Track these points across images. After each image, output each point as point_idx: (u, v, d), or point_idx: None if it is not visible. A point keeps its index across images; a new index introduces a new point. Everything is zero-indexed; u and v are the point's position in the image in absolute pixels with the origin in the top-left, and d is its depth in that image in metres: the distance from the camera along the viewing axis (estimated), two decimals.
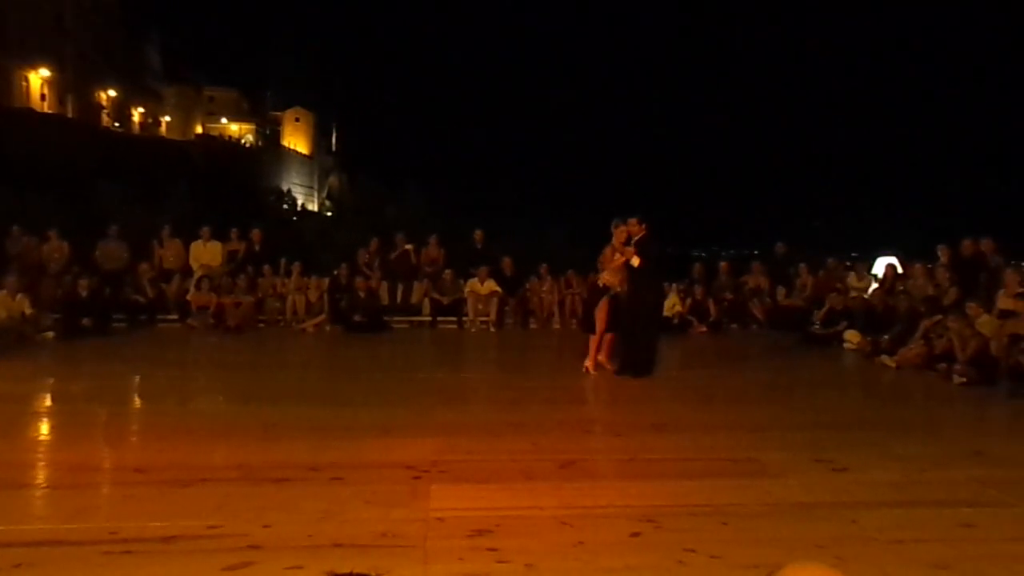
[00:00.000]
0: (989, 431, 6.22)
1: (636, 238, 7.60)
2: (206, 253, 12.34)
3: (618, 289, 7.58)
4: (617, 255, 7.60)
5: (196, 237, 12.57)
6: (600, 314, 7.63)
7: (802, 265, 12.70)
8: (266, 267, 12.12)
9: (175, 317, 11.51)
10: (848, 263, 13.68)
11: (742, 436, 5.41)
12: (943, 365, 7.92)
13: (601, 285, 7.67)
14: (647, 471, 4.54)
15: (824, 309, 10.86)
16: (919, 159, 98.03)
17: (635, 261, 7.45)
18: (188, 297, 11.49)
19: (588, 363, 7.70)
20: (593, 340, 7.75)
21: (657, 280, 7.95)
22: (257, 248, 12.76)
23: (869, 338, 9.69)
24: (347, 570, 1.86)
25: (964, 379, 7.51)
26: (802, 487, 4.18)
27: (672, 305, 11.75)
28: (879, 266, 12.46)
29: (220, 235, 12.77)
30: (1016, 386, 6.98)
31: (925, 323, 8.65)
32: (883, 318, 9.93)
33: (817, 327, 10.71)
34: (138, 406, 6.88)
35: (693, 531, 3.49)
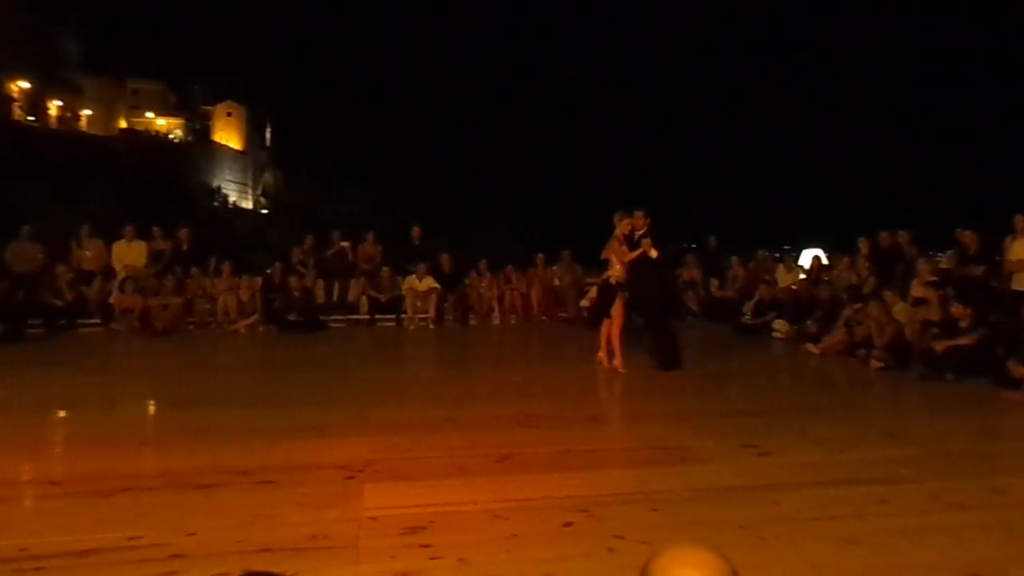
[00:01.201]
0: (902, 412, 6.53)
1: (642, 231, 7.59)
2: (130, 253, 11.88)
3: (623, 281, 7.55)
4: (625, 248, 7.52)
5: (119, 237, 12.08)
6: (617, 311, 7.56)
7: (734, 258, 13.08)
8: (193, 268, 11.75)
9: (97, 321, 11.05)
10: (777, 255, 14.14)
11: (674, 425, 5.54)
12: (862, 351, 8.28)
13: (614, 282, 7.58)
14: (582, 462, 4.60)
15: (754, 300, 11.21)
16: (845, 157, 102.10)
17: (653, 253, 7.43)
18: (111, 300, 11.04)
19: (616, 362, 7.64)
20: (613, 336, 7.64)
21: (665, 272, 8.04)
22: (185, 248, 12.35)
23: (795, 327, 10.06)
24: (262, 569, 1.82)
25: (881, 364, 7.87)
26: (728, 472, 4.31)
27: None
28: (806, 258, 12.96)
29: (146, 234, 12.30)
30: (927, 370, 7.36)
31: (846, 311, 9.02)
32: (808, 308, 10.32)
33: (748, 317, 11.04)
34: (57, 415, 6.55)
35: (623, 519, 3.55)
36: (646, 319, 7.69)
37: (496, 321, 12.34)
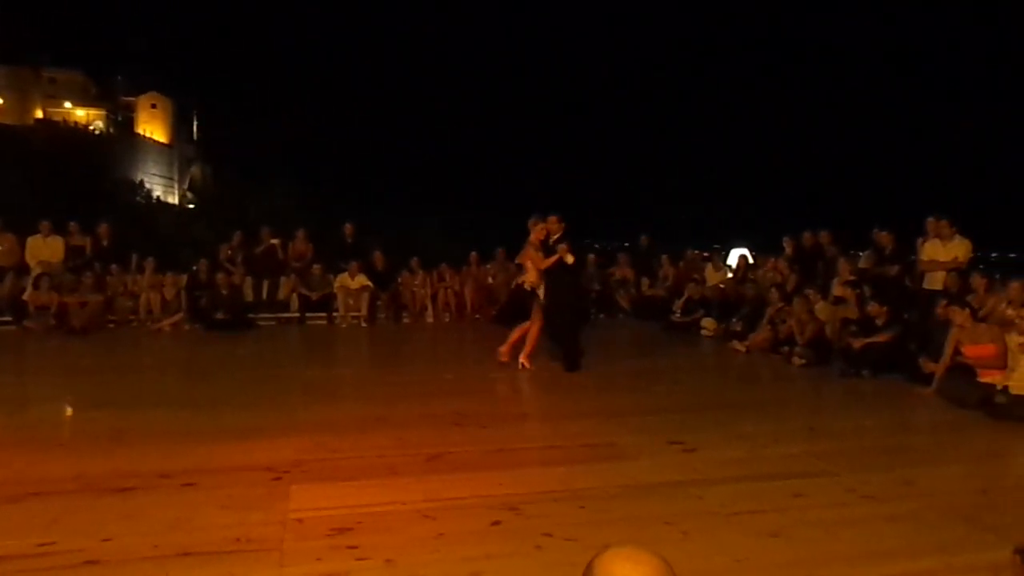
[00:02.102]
0: (822, 408, 6.82)
1: (556, 236, 7.59)
2: (46, 249, 11.32)
3: (539, 288, 7.53)
4: (540, 254, 7.50)
5: (33, 231, 11.49)
6: (536, 316, 7.57)
7: (664, 256, 13.33)
8: (114, 265, 11.28)
9: (9, 319, 10.49)
10: (706, 254, 14.51)
11: (604, 422, 5.63)
12: (786, 348, 8.59)
13: (528, 288, 7.55)
14: (511, 460, 4.64)
15: (683, 298, 11.46)
16: (772, 158, 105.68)
17: (570, 259, 7.47)
18: (25, 297, 10.50)
19: (523, 357, 7.66)
20: (531, 334, 7.65)
21: (576, 277, 8.04)
22: (105, 243, 11.83)
23: (723, 325, 10.35)
24: None
25: (803, 360, 8.19)
26: (655, 468, 4.42)
27: None
28: (733, 257, 13.33)
29: (63, 229, 11.73)
30: (846, 366, 7.69)
31: (770, 310, 9.34)
32: (735, 306, 10.63)
33: (677, 316, 11.29)
34: None
35: (551, 516, 3.60)
36: (555, 323, 7.67)
37: (430, 319, 12.28)
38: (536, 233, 7.61)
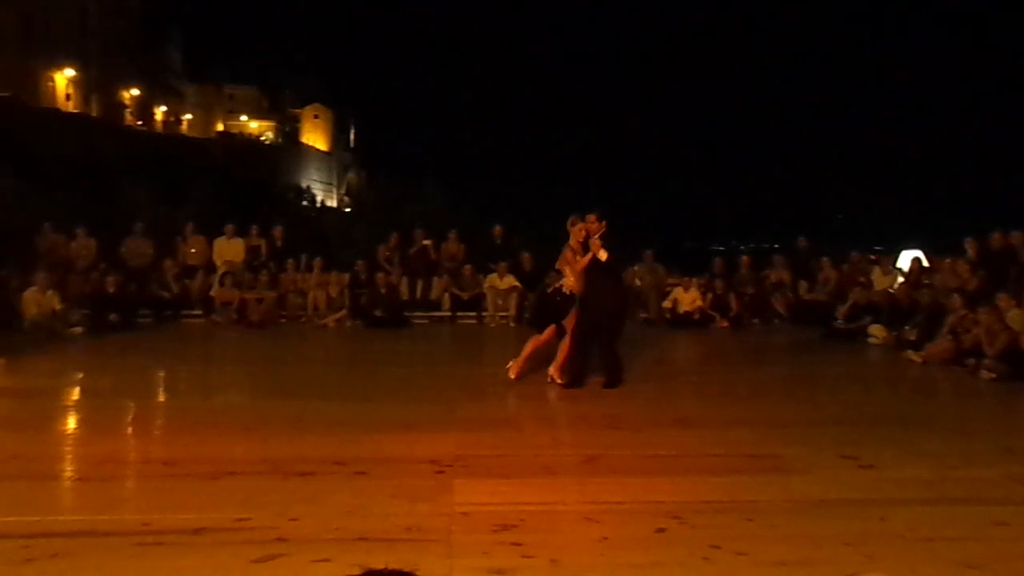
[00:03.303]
0: (1019, 427, 6.11)
1: (596, 235, 6.91)
2: (229, 249, 12.45)
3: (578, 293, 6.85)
4: (577, 256, 6.86)
5: (218, 234, 12.69)
6: (571, 324, 6.85)
7: (825, 259, 12.56)
8: (290, 262, 12.22)
9: (199, 313, 11.64)
10: (872, 257, 13.52)
11: (765, 432, 5.37)
12: (971, 360, 7.80)
13: (568, 292, 6.89)
14: (670, 467, 4.53)
15: (848, 304, 10.74)
16: (945, 150, 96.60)
17: (603, 254, 6.73)
18: (212, 293, 11.61)
19: (552, 370, 6.95)
20: (562, 346, 6.95)
21: (618, 280, 7.28)
22: (279, 244, 12.86)
23: (894, 333, 9.59)
24: (380, 566, 1.85)
25: (993, 374, 7.39)
26: (828, 484, 4.15)
27: (692, 300, 11.71)
28: (904, 260, 12.31)
29: (243, 232, 12.88)
30: None
31: (952, 318, 8.53)
32: (908, 313, 9.81)
33: (840, 322, 10.59)
34: (164, 400, 6.98)
35: (717, 528, 3.48)
36: (598, 333, 6.88)
37: None
38: (575, 235, 6.98)
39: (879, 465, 4.48)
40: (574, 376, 6.79)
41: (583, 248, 6.91)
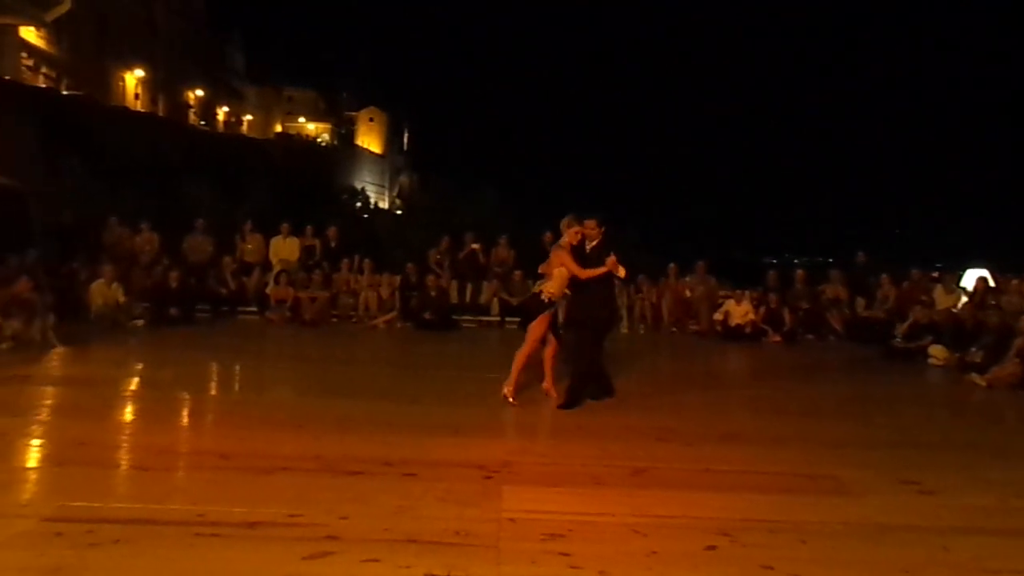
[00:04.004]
0: None
1: (594, 243, 6.43)
2: (285, 248, 12.74)
3: (558, 300, 6.39)
4: (572, 260, 6.30)
5: (275, 232, 12.98)
6: (538, 330, 6.41)
7: (884, 276, 12.20)
8: (344, 262, 12.44)
9: (254, 309, 11.93)
10: (934, 275, 13.08)
11: (818, 451, 5.24)
12: None
13: (546, 299, 6.36)
14: (720, 483, 4.45)
15: (908, 322, 10.41)
16: (1015, 164, 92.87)
17: (622, 272, 6.24)
18: (267, 291, 11.89)
19: (545, 384, 6.65)
20: (547, 356, 6.61)
21: (611, 292, 6.73)
22: (333, 245, 13.10)
23: (957, 354, 9.25)
24: (430, 570, 1.90)
25: None
26: (886, 508, 4.02)
27: (745, 313, 11.51)
28: (969, 279, 11.87)
29: (298, 231, 13.15)
30: None
31: (1020, 340, 8.18)
32: (972, 334, 9.45)
33: (900, 341, 10.27)
34: (220, 394, 7.18)
35: (770, 548, 3.40)
36: (572, 342, 6.49)
37: (624, 330, 12.17)
38: (569, 235, 6.37)
39: (941, 491, 4.32)
40: (571, 394, 6.37)
41: (574, 252, 6.37)
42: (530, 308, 6.62)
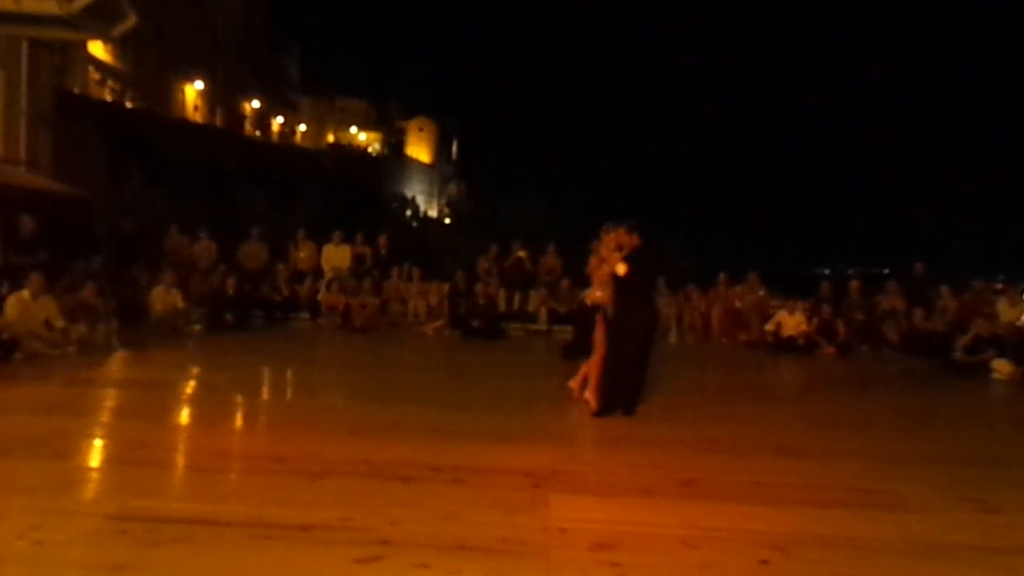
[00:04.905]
0: None
1: (626, 250, 6.50)
2: (336, 256, 12.99)
3: (607, 306, 6.47)
4: (604, 264, 6.50)
5: (327, 240, 13.26)
6: (600, 336, 6.48)
7: (944, 287, 11.84)
8: (394, 270, 12.62)
9: (307, 316, 12.19)
10: (998, 287, 12.62)
11: (875, 466, 5.10)
12: None
13: (590, 303, 6.58)
14: (773, 496, 4.37)
15: (969, 335, 10.06)
16: None
17: (620, 269, 6.28)
18: (319, 297, 12.14)
19: (588, 394, 6.60)
20: (592, 365, 6.61)
21: (649, 299, 6.76)
22: (383, 253, 13.31)
23: (1022, 369, 8.90)
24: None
25: None
26: (948, 526, 3.89)
27: (797, 324, 11.27)
28: None
29: (350, 239, 13.41)
30: None
31: None
32: None
33: (960, 354, 9.93)
34: (274, 398, 7.35)
35: (825, 563, 3.33)
36: (622, 349, 6.44)
37: (673, 340, 12.05)
38: (606, 243, 6.55)
39: (1007, 510, 4.16)
40: (605, 401, 6.37)
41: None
42: (584, 317, 6.81)
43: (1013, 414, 7.80)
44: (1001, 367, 9.32)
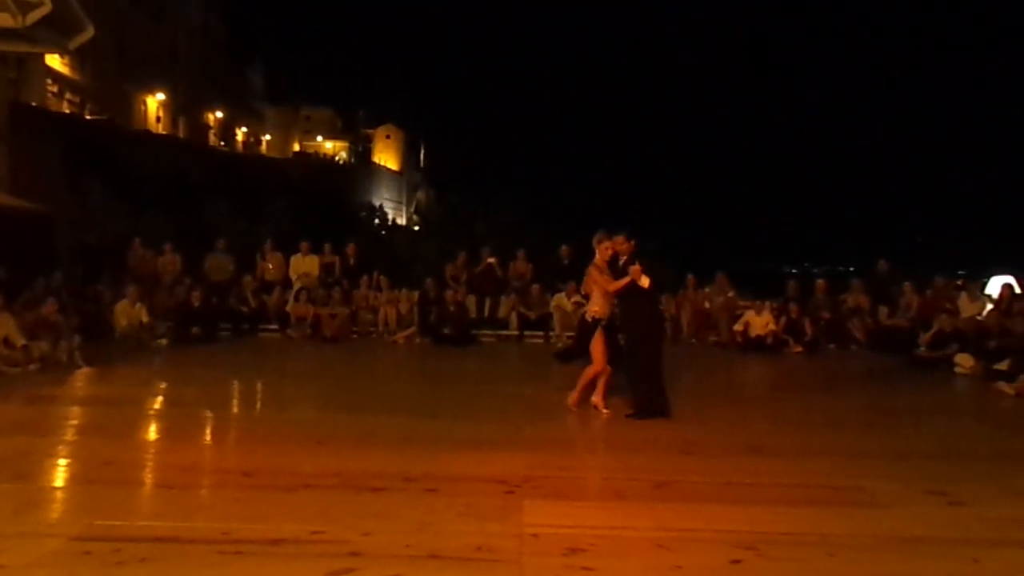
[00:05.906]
0: None
1: (625, 257, 6.55)
2: (304, 266, 12.84)
3: (604, 318, 6.53)
4: (607, 276, 6.49)
5: (295, 251, 13.10)
6: (597, 349, 6.49)
7: (907, 284, 12.07)
8: (364, 278, 12.51)
9: (275, 327, 12.03)
10: (959, 282, 12.92)
11: (844, 463, 5.18)
12: None
13: (590, 319, 6.58)
14: (745, 495, 4.41)
15: (932, 331, 10.28)
16: None
17: (645, 282, 6.30)
18: (288, 308, 11.98)
19: (596, 399, 6.67)
20: (586, 375, 6.65)
21: (656, 303, 6.85)
22: (352, 262, 13.19)
23: (983, 363, 9.11)
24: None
25: None
26: (915, 520, 3.96)
27: (765, 324, 11.42)
28: (994, 286, 11.73)
29: (318, 249, 13.26)
30: None
31: None
32: (999, 342, 9.31)
33: (924, 350, 10.15)
34: (243, 411, 7.24)
35: (796, 561, 3.36)
36: (633, 359, 6.57)
37: None
38: (601, 253, 6.60)
39: (971, 502, 4.25)
40: (640, 405, 6.51)
41: (609, 267, 6.60)
42: (583, 332, 6.77)
43: (975, 408, 7.98)
44: (963, 361, 9.53)
